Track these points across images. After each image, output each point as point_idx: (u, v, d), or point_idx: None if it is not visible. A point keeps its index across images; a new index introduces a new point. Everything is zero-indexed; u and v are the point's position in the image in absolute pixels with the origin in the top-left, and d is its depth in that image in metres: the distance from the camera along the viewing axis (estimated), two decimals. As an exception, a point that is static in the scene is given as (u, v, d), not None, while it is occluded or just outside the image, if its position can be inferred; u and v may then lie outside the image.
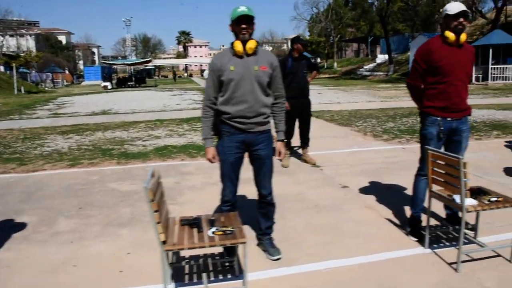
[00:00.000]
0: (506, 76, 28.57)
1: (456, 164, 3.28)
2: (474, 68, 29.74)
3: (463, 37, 3.86)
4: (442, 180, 3.60)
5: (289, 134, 7.07)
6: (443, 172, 3.56)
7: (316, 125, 11.73)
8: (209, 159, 3.69)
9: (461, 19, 3.79)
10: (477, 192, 3.64)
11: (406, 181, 5.66)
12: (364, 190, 5.66)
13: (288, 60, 6.78)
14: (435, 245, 3.95)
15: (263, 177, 3.77)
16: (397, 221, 4.58)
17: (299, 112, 6.96)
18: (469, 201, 3.43)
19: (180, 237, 3.03)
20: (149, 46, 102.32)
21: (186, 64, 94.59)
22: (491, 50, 28.49)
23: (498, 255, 3.74)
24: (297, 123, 7.15)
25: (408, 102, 18.21)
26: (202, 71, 55.31)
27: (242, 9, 3.38)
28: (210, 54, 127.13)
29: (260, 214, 3.94)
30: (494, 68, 29.02)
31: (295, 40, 6.80)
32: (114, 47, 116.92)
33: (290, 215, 4.85)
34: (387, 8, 45.51)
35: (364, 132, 10.33)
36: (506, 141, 9.03)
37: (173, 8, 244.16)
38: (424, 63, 3.95)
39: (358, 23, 64.36)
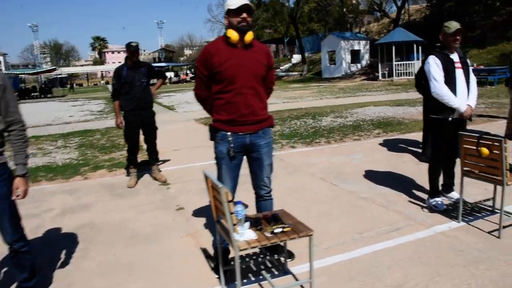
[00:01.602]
0: (409, 72, 29.54)
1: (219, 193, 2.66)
2: (380, 65, 30.62)
3: (248, 36, 3.26)
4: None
5: (132, 149, 6.32)
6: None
7: (200, 133, 11.10)
8: None
9: (244, 15, 3.20)
10: (269, 220, 3.05)
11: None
12: (199, 212, 4.98)
13: (123, 69, 6.02)
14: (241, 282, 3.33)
15: (0, 222, 2.96)
16: (212, 252, 3.93)
17: (142, 126, 6.21)
18: (248, 235, 2.82)
19: None
20: (62, 53, 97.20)
21: (102, 71, 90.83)
22: (394, 48, 29.36)
23: (305, 290, 3.19)
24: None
25: (307, 102, 18.10)
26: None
27: None
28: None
29: (13, 265, 3.13)
30: (399, 64, 29.93)
31: (126, 47, 6.04)
32: (21, 55, 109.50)
33: (93, 252, 4.08)
34: (297, 9, 46.02)
35: (244, 139, 9.74)
36: (384, 140, 8.82)
37: (94, 16, 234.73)
38: (205, 69, 3.31)
39: (273, 24, 64.73)
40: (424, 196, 5.03)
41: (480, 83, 21.28)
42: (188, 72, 67.86)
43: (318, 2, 52.36)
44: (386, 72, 30.95)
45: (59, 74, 59.55)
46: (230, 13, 3.22)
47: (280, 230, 2.85)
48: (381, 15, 48.93)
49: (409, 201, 4.97)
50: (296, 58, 51.40)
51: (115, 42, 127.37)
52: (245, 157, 3.54)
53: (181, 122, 14.06)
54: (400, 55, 30.21)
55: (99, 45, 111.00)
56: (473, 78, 4.63)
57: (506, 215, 4.25)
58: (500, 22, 30.04)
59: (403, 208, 4.76)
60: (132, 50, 5.92)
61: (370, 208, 4.80)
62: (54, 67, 57.30)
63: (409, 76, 29.28)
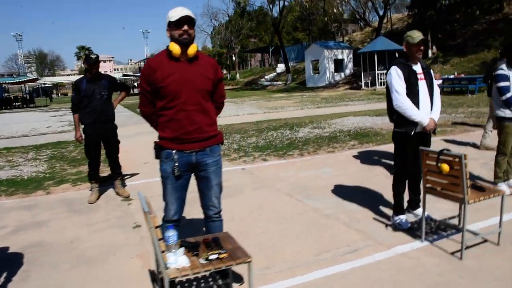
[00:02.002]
0: (392, 81, 29.51)
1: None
2: (363, 74, 30.65)
3: (192, 49, 3.09)
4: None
5: (93, 164, 6.10)
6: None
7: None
8: None
9: (185, 27, 3.02)
10: (209, 245, 2.85)
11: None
12: (154, 231, 4.77)
13: (82, 82, 5.81)
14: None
15: None
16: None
17: (103, 140, 6.01)
18: (181, 261, 2.62)
19: None
20: (46, 63, 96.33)
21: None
22: (376, 56, 29.44)
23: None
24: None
25: (288, 113, 17.94)
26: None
27: None
28: (116, 70, 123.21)
29: None
30: (382, 73, 29.96)
31: (84, 59, 5.85)
32: (6, 64, 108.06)
33: (34, 275, 3.84)
34: (281, 18, 46.12)
35: (217, 151, 9.54)
36: (359, 152, 8.68)
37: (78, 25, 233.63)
38: (147, 85, 3.14)
39: (258, 33, 64.91)
40: (391, 212, 4.85)
41: (460, 92, 21.39)
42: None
43: (302, 11, 52.59)
44: (369, 81, 30.99)
45: (43, 84, 58.69)
46: (170, 25, 3.05)
47: (215, 256, 2.65)
48: (364, 24, 49.26)
49: (374, 218, 4.80)
50: (281, 67, 51.46)
51: (100, 51, 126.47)
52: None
53: (158, 133, 13.80)
54: (383, 63, 30.27)
55: (84, 54, 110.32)
56: (436, 90, 4.49)
57: (470, 232, 4.10)
58: (481, 30, 30.32)
59: (365, 226, 4.58)
60: (91, 62, 5.72)
61: (332, 226, 4.61)
62: (36, 76, 56.38)
63: (392, 85, 29.29)
